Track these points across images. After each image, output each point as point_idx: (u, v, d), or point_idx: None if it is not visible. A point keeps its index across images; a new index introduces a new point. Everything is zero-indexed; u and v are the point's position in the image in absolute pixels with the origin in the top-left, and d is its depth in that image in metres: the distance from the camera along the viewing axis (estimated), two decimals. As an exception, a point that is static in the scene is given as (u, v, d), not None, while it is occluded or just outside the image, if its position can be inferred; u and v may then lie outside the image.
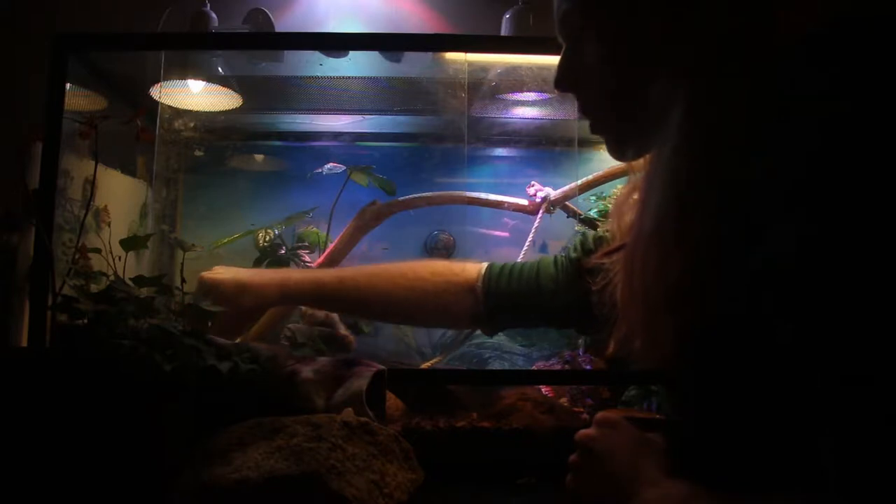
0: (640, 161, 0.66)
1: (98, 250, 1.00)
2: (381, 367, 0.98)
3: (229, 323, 1.05)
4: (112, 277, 0.95)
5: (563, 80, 0.68)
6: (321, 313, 1.22)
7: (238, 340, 1.06)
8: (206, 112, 1.42)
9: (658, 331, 0.54)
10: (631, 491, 0.64)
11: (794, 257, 0.41)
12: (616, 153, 0.67)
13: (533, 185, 1.38)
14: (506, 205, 1.40)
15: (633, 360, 0.58)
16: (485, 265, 1.05)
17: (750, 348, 0.48)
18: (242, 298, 1.05)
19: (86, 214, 1.01)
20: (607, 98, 0.64)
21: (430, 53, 1.25)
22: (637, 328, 0.57)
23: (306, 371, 0.94)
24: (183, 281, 0.98)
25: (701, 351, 0.52)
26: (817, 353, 0.41)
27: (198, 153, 1.54)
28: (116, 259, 0.99)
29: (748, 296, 0.45)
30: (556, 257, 1.04)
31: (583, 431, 0.72)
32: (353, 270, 1.12)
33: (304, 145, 1.60)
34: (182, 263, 1.01)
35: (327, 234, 1.40)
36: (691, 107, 0.52)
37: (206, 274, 1.07)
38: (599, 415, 0.73)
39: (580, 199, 1.40)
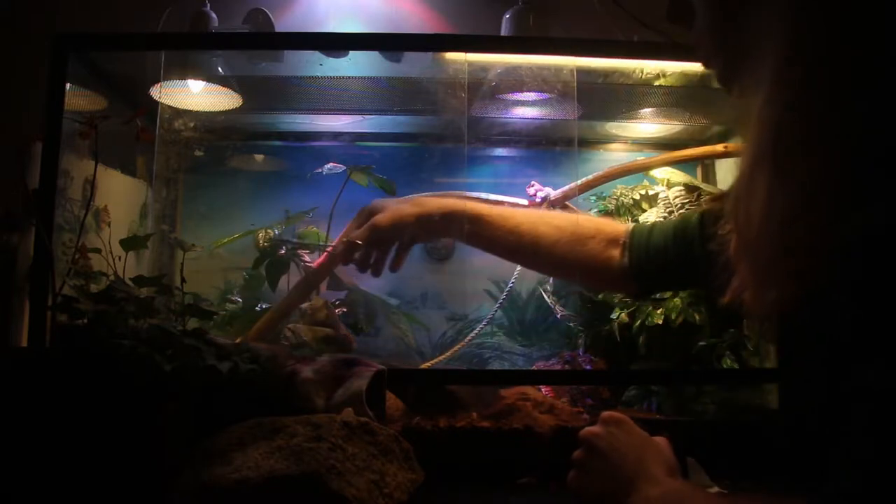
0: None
1: (98, 250, 1.00)
2: (381, 367, 0.98)
3: (386, 250, 1.08)
4: (112, 277, 0.95)
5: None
6: (321, 313, 1.22)
7: (238, 340, 1.06)
8: (206, 112, 1.42)
9: (762, 285, 0.52)
10: (632, 489, 0.64)
11: (879, 239, 0.40)
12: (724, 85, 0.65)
13: (533, 185, 1.38)
14: (506, 205, 1.40)
15: (744, 311, 0.56)
16: (631, 224, 1.05)
17: (821, 322, 0.46)
18: (414, 219, 1.07)
19: (86, 214, 1.01)
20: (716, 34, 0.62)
21: (430, 53, 1.25)
22: (747, 279, 0.55)
23: (306, 371, 0.94)
24: (183, 281, 0.98)
25: (789, 314, 0.52)
26: (861, 345, 0.40)
27: (198, 153, 1.54)
28: (116, 259, 0.99)
29: (835, 263, 0.43)
30: (699, 214, 0.99)
31: (588, 429, 0.73)
32: (511, 209, 1.12)
33: (304, 145, 1.60)
34: (182, 263, 1.01)
35: (327, 234, 1.40)
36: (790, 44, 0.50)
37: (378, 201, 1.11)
38: (605, 413, 0.73)
39: (580, 198, 1.40)
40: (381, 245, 1.07)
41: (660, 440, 0.73)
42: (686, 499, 0.62)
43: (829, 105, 0.47)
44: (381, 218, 1.05)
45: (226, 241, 1.41)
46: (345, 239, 1.07)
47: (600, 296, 1.32)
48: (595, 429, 0.73)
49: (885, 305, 0.39)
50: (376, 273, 1.08)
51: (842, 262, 0.42)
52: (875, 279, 0.39)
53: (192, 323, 0.97)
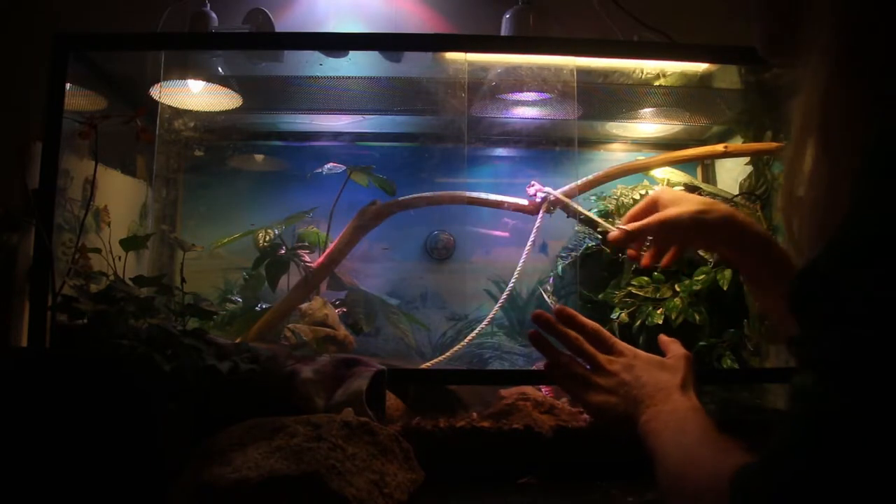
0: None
1: (98, 250, 1.00)
2: (381, 367, 0.98)
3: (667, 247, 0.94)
4: (112, 277, 0.95)
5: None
6: (321, 313, 1.22)
7: (238, 340, 1.06)
8: (206, 112, 1.42)
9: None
10: (644, 407, 0.68)
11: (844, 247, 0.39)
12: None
13: (533, 185, 1.38)
14: (506, 205, 1.40)
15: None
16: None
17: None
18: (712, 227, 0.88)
19: (86, 214, 1.01)
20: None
21: (430, 53, 1.25)
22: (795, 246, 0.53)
23: (306, 371, 0.94)
24: (183, 281, 0.98)
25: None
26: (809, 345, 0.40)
27: (198, 153, 1.54)
28: (116, 259, 0.99)
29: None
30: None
31: (606, 356, 0.75)
32: None
33: (304, 145, 1.60)
34: (182, 263, 1.01)
35: (327, 234, 1.40)
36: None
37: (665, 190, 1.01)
38: (621, 345, 0.76)
39: (580, 198, 1.40)
40: (665, 242, 0.92)
41: (677, 356, 0.75)
42: (687, 420, 0.64)
43: (875, 78, 0.46)
44: (674, 214, 0.87)
45: (226, 241, 1.41)
46: (624, 226, 0.91)
47: (600, 296, 1.32)
48: (611, 357, 0.75)
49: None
50: (645, 266, 0.95)
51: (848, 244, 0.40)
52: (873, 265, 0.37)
53: (193, 323, 0.97)
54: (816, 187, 0.48)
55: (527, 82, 1.31)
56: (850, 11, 0.48)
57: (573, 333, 0.77)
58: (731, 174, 1.44)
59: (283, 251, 1.38)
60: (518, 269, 1.30)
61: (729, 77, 1.35)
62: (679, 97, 1.39)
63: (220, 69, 1.33)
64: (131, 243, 1.04)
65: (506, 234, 1.52)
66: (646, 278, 1.28)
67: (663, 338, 0.82)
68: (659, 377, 0.71)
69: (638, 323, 1.24)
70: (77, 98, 1.15)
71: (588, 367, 0.76)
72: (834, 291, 0.38)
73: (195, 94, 1.36)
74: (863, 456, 0.34)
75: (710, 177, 1.52)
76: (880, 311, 0.36)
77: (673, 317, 1.21)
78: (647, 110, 1.46)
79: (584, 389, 0.75)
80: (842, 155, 0.47)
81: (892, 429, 0.34)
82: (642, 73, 1.30)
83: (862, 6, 0.47)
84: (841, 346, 0.37)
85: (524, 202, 1.38)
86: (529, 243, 1.34)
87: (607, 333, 0.78)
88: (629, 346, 0.76)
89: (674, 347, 0.79)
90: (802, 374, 0.40)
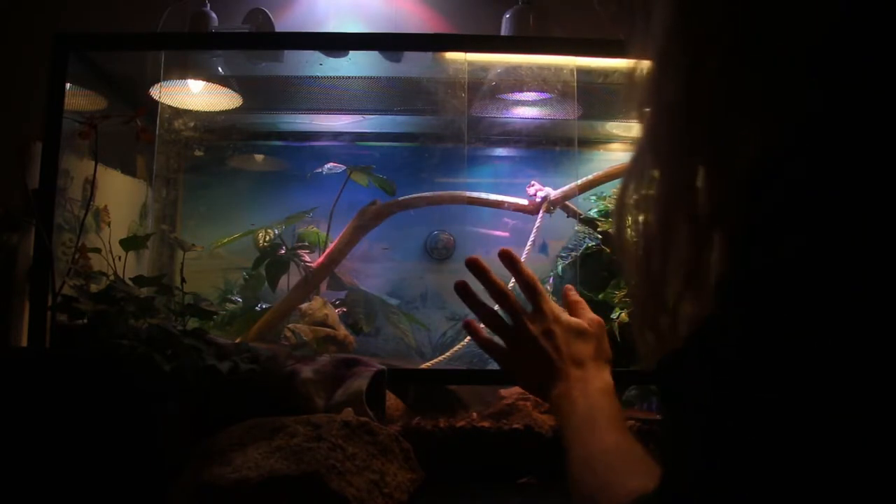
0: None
1: (98, 250, 1.00)
2: (382, 367, 0.98)
3: None
4: (112, 277, 0.95)
5: None
6: (321, 313, 1.22)
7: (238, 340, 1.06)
8: (206, 112, 1.42)
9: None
10: (559, 374, 0.66)
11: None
12: None
13: (533, 185, 1.38)
14: (506, 205, 1.40)
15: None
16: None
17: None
18: None
19: (86, 214, 1.01)
20: None
21: (430, 53, 1.25)
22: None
23: (306, 371, 0.94)
24: (183, 281, 0.98)
25: None
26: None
27: (198, 153, 1.54)
28: (117, 259, 0.99)
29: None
30: None
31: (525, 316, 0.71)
32: None
33: (304, 145, 1.60)
34: (182, 263, 1.01)
35: (327, 234, 1.40)
36: None
37: None
38: (547, 304, 0.71)
39: (580, 198, 1.40)
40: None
41: (594, 322, 0.72)
42: (594, 407, 0.63)
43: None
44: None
45: (226, 241, 1.41)
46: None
47: (600, 296, 1.32)
48: (533, 317, 0.71)
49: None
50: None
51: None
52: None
53: (193, 323, 0.97)
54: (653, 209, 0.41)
55: (527, 82, 1.31)
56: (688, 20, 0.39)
57: (502, 285, 0.72)
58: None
59: (283, 251, 1.38)
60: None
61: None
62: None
63: (220, 69, 1.33)
64: (131, 243, 1.04)
65: (506, 234, 1.52)
66: (646, 278, 1.28)
67: (572, 294, 0.76)
68: (576, 347, 0.68)
69: (638, 323, 1.23)
70: (77, 98, 1.15)
71: (509, 323, 0.71)
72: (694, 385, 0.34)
73: (195, 94, 1.36)
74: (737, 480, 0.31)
75: (710, 177, 1.52)
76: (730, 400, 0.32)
77: (673, 317, 1.21)
78: (647, 110, 1.45)
79: (500, 349, 0.72)
80: (676, 165, 0.40)
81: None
82: (643, 72, 1.30)
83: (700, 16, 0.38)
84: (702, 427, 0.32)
85: (524, 202, 1.39)
86: (529, 243, 1.35)
87: (540, 288, 0.72)
88: (553, 307, 0.72)
89: (587, 313, 0.73)
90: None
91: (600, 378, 0.67)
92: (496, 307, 0.74)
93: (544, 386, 0.67)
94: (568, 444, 0.61)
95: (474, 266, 0.73)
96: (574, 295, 0.76)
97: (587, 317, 0.73)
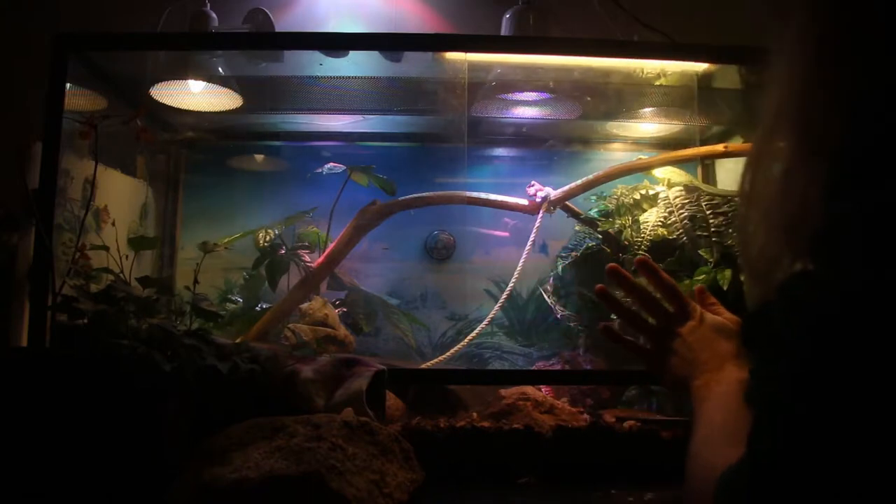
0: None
1: (106, 248, 1.00)
2: (382, 367, 0.98)
3: None
4: (118, 275, 0.95)
5: None
6: (321, 313, 1.22)
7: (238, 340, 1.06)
8: (206, 112, 1.42)
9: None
10: (698, 372, 0.68)
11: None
12: None
13: (533, 185, 1.38)
14: (506, 205, 1.40)
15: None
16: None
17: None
18: None
19: (85, 214, 1.01)
20: None
21: (430, 53, 1.25)
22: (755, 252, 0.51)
23: (306, 371, 0.94)
24: (196, 282, 0.98)
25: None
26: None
27: (198, 154, 1.54)
28: (124, 258, 0.99)
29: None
30: None
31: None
32: None
33: (304, 145, 1.60)
34: (198, 264, 1.00)
35: (327, 233, 1.40)
36: None
37: None
38: (691, 303, 0.74)
39: (580, 198, 1.40)
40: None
41: (734, 321, 0.74)
42: (729, 396, 0.63)
43: (860, 66, 0.43)
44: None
45: (226, 241, 1.41)
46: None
47: (600, 296, 1.32)
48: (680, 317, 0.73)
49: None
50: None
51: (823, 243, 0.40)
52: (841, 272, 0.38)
53: (198, 323, 0.97)
54: (785, 193, 0.46)
55: (527, 82, 1.31)
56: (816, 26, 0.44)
57: (648, 291, 0.76)
58: (731, 174, 1.44)
59: (283, 251, 1.38)
60: (518, 269, 1.31)
61: (729, 77, 1.35)
62: (679, 97, 1.39)
63: (220, 69, 1.33)
64: (140, 244, 1.04)
65: (506, 234, 1.52)
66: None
67: (708, 295, 0.78)
68: (717, 344, 0.70)
69: (638, 323, 1.23)
70: (77, 98, 1.15)
71: (655, 323, 0.75)
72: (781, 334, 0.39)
73: (195, 94, 1.36)
74: (822, 456, 0.36)
75: (710, 177, 1.52)
76: (821, 349, 0.37)
77: (673, 317, 1.21)
78: (648, 110, 1.45)
79: (645, 350, 0.75)
80: (813, 156, 0.44)
81: (849, 437, 0.35)
82: (642, 72, 1.30)
83: (827, 23, 0.44)
84: (792, 374, 0.38)
85: (524, 202, 1.39)
86: (529, 243, 1.34)
87: (679, 290, 0.76)
88: (696, 306, 0.75)
89: (725, 312, 0.76)
90: (767, 388, 0.41)
91: (739, 372, 0.68)
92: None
93: (687, 378, 0.69)
94: (695, 425, 0.63)
95: (616, 275, 0.75)
96: (710, 296, 0.78)
97: (726, 315, 0.75)
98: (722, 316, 0.74)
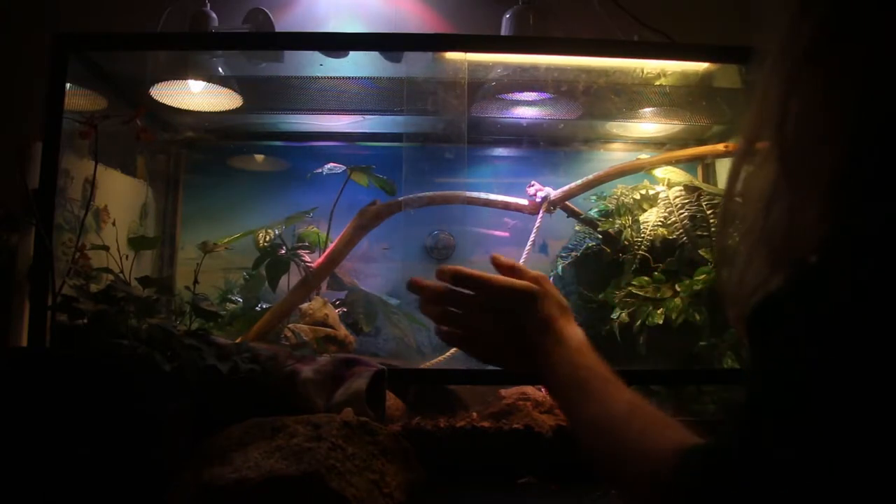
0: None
1: (106, 248, 1.00)
2: (381, 367, 0.98)
3: None
4: (115, 276, 0.95)
5: None
6: (321, 313, 1.22)
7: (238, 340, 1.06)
8: (206, 112, 1.42)
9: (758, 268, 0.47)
10: (539, 338, 0.66)
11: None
12: None
13: (533, 185, 1.38)
14: (506, 205, 1.40)
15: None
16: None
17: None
18: None
19: (85, 214, 1.01)
20: None
21: (430, 53, 1.25)
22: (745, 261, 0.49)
23: (306, 371, 0.94)
24: (196, 282, 0.98)
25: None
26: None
27: (198, 154, 1.54)
28: (123, 258, 0.99)
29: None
30: None
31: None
32: None
33: (304, 145, 1.60)
34: (199, 264, 1.00)
35: (327, 234, 1.40)
36: None
37: None
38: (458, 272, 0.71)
39: (580, 198, 1.40)
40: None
41: (539, 280, 0.70)
42: (580, 347, 0.63)
43: (849, 69, 0.41)
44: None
45: (226, 240, 1.41)
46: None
47: (600, 296, 1.32)
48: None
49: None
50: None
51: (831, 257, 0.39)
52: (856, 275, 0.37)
53: (198, 323, 0.97)
54: (771, 205, 0.44)
55: (527, 82, 1.31)
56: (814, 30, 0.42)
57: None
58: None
59: (283, 251, 1.38)
60: (518, 268, 1.30)
61: (729, 77, 1.35)
62: (679, 97, 1.39)
63: (220, 69, 1.33)
64: (141, 243, 1.04)
65: (506, 234, 1.52)
66: (646, 278, 1.28)
67: (504, 260, 0.73)
68: (539, 309, 0.68)
69: (638, 323, 1.24)
70: (77, 98, 1.15)
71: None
72: (794, 325, 0.38)
73: (195, 94, 1.36)
74: (818, 440, 0.35)
75: (710, 176, 1.52)
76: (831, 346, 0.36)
77: (673, 317, 1.21)
78: (648, 110, 1.46)
79: (465, 339, 0.70)
80: (802, 167, 0.42)
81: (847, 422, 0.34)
82: (642, 72, 1.30)
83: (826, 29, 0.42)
84: (797, 364, 0.37)
85: (524, 202, 1.39)
86: (529, 243, 1.35)
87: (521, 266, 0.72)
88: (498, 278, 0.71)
89: (526, 272, 0.71)
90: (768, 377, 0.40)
91: (574, 332, 0.66)
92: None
93: (528, 360, 0.66)
94: (573, 410, 0.60)
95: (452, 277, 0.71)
96: (506, 260, 0.73)
97: (529, 275, 0.71)
98: (526, 277, 0.71)
